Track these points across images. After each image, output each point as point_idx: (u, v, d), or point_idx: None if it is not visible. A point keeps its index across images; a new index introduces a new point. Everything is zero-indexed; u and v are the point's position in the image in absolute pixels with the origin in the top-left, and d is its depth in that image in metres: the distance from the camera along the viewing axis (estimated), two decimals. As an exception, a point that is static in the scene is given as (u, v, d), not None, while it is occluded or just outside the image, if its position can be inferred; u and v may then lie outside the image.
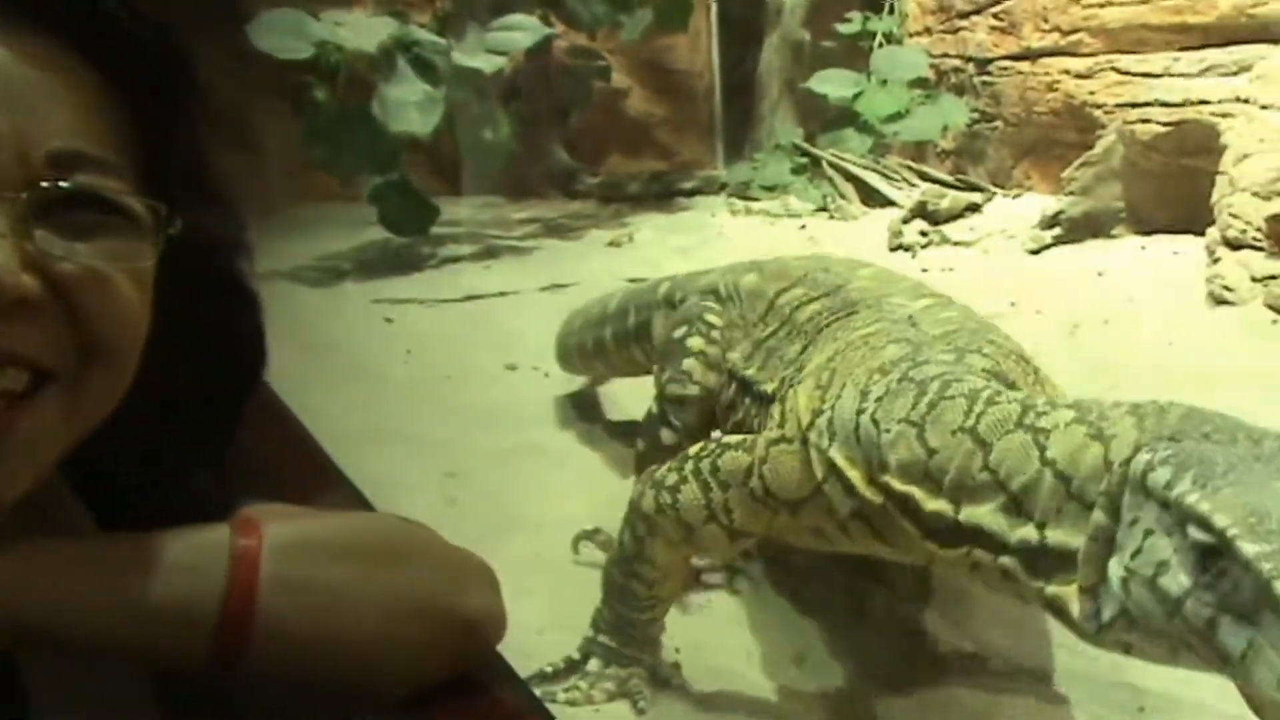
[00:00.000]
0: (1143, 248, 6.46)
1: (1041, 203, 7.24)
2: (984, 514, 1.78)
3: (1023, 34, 7.98)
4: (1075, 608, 1.63)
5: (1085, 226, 6.72)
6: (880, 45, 8.69)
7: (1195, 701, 2.36)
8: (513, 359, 4.76)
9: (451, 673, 1.08)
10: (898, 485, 1.92)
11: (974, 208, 7.42)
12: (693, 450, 2.30)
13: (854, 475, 2.01)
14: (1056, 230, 6.71)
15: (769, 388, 2.58)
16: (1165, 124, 6.64)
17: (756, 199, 8.37)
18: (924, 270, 6.57)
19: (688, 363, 3.02)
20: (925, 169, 8.24)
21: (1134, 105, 7.08)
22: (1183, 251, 6.04)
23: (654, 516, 2.30)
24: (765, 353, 2.74)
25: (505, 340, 5.09)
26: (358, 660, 1.02)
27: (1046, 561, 1.69)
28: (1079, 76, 7.65)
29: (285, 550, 1.00)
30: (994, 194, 7.72)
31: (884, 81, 8.37)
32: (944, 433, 1.86)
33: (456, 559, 1.13)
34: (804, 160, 8.49)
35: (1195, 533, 1.39)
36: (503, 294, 6.08)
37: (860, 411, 2.03)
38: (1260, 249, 5.10)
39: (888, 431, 1.95)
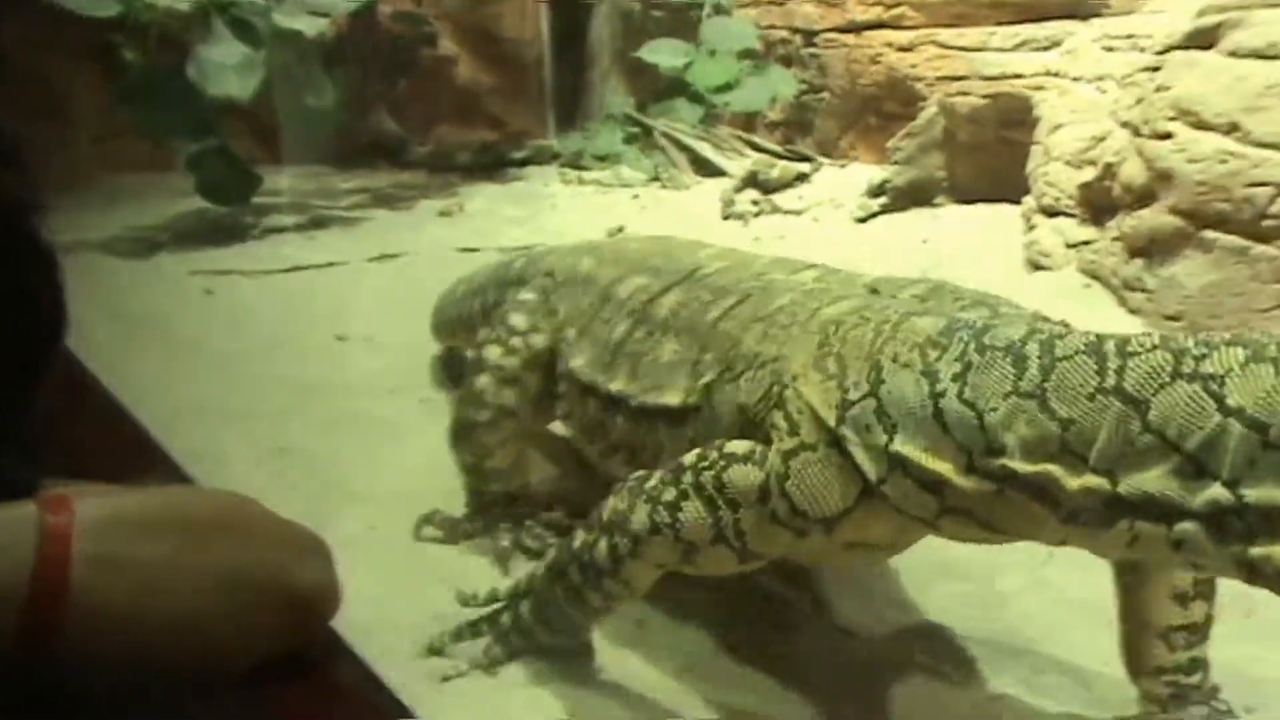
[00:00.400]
0: (964, 216, 6.68)
1: (868, 172, 7.41)
2: (1152, 480, 1.57)
3: (847, 7, 8.15)
4: None
5: (910, 195, 6.92)
6: (709, 16, 8.74)
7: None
8: (343, 330, 4.64)
9: (284, 649, 1.05)
10: (1025, 467, 1.67)
11: (803, 177, 7.55)
12: (689, 460, 2.03)
13: (942, 467, 1.75)
14: (883, 199, 6.89)
15: (672, 400, 2.31)
16: (983, 96, 6.88)
17: (589, 169, 8.35)
18: (756, 239, 6.66)
19: (481, 380, 2.84)
20: (755, 139, 8.34)
21: (954, 78, 7.32)
22: (1002, 219, 6.26)
23: (646, 537, 2.04)
24: (630, 358, 2.48)
25: (334, 311, 4.97)
26: (181, 637, 0.99)
27: (1243, 523, 1.50)
28: (901, 49, 7.86)
29: (99, 526, 0.95)
30: (822, 164, 7.87)
31: (713, 52, 8.43)
32: (1077, 399, 1.63)
33: (285, 532, 1.10)
34: (636, 130, 8.50)
35: None
36: (330, 264, 5.91)
37: (938, 395, 1.76)
38: (1073, 216, 5.32)
39: (994, 410, 1.70)
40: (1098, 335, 1.69)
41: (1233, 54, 4.47)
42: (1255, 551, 1.49)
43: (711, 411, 2.19)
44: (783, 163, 7.68)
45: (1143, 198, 4.70)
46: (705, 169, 8.02)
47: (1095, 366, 1.63)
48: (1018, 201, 5.97)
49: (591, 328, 2.68)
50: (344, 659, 1.14)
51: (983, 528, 1.79)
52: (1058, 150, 5.56)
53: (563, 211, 7.43)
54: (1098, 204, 5.09)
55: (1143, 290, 4.63)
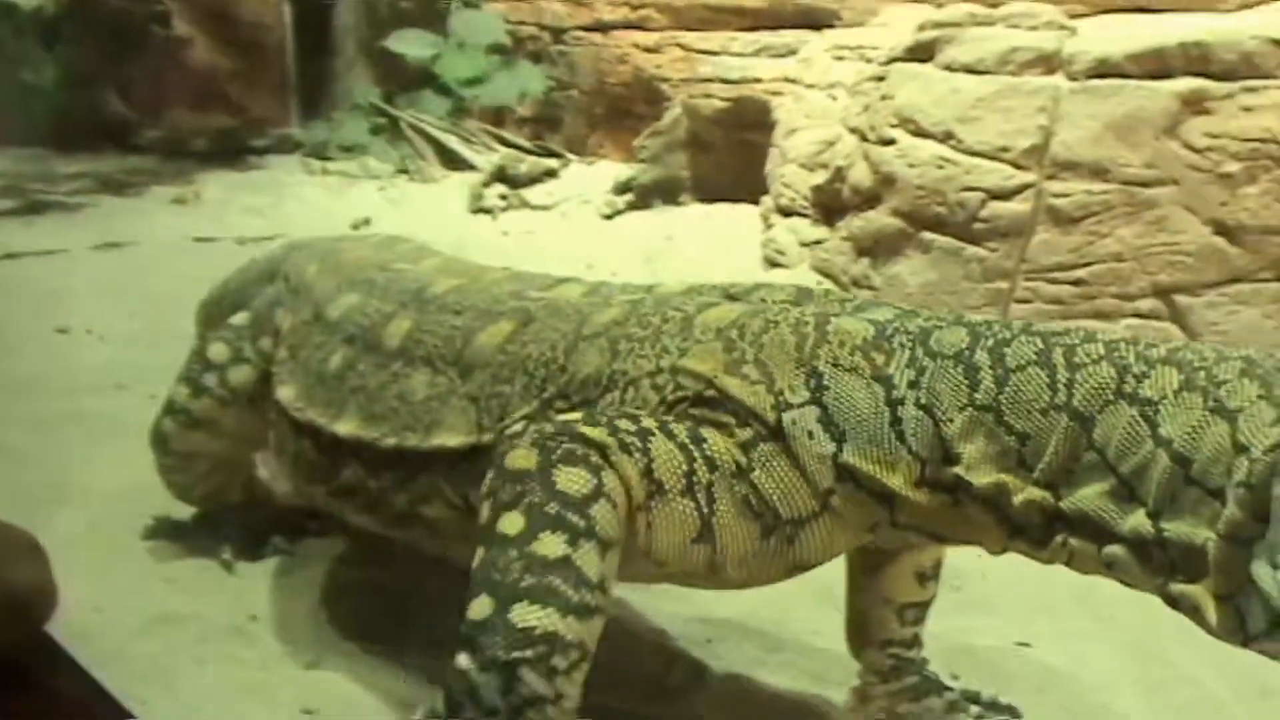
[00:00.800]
0: (707, 214, 6.88)
1: (615, 170, 7.54)
2: (1090, 497, 1.54)
3: (595, 6, 8.25)
4: (1211, 614, 1.42)
5: (655, 193, 7.08)
6: (458, 8, 8.66)
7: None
8: (63, 322, 4.36)
9: (-9, 654, 0.98)
10: (980, 479, 1.63)
11: (552, 173, 7.60)
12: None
13: (894, 479, 1.68)
14: (629, 196, 7.03)
15: (451, 441, 2.01)
16: (725, 99, 7.12)
17: (333, 159, 8.15)
18: (505, 233, 6.67)
19: (166, 423, 2.62)
20: (504, 134, 8.33)
21: (697, 81, 7.53)
22: (742, 218, 6.49)
23: (613, 446, 1.69)
24: (360, 395, 2.18)
25: (53, 302, 4.67)
26: None
27: (1163, 556, 1.47)
28: (648, 50, 8.02)
29: None
30: (570, 160, 7.94)
31: (462, 45, 8.37)
32: (1031, 413, 1.59)
33: (-7, 530, 1.03)
34: (383, 121, 8.35)
35: None
36: (49, 252, 5.55)
37: (896, 402, 1.69)
38: (807, 216, 5.57)
39: (951, 421, 1.65)
40: (1043, 340, 1.65)
41: (948, 67, 4.79)
42: (1174, 587, 1.47)
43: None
44: (532, 158, 7.71)
45: (869, 200, 4.97)
46: (454, 162, 7.96)
47: (1047, 379, 1.60)
48: (757, 201, 6.20)
49: (302, 352, 2.38)
50: (61, 664, 1.08)
51: (929, 539, 1.77)
52: (793, 153, 5.81)
53: (305, 202, 7.23)
54: (829, 205, 5.35)
55: (869, 287, 4.90)
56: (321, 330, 2.36)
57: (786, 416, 1.72)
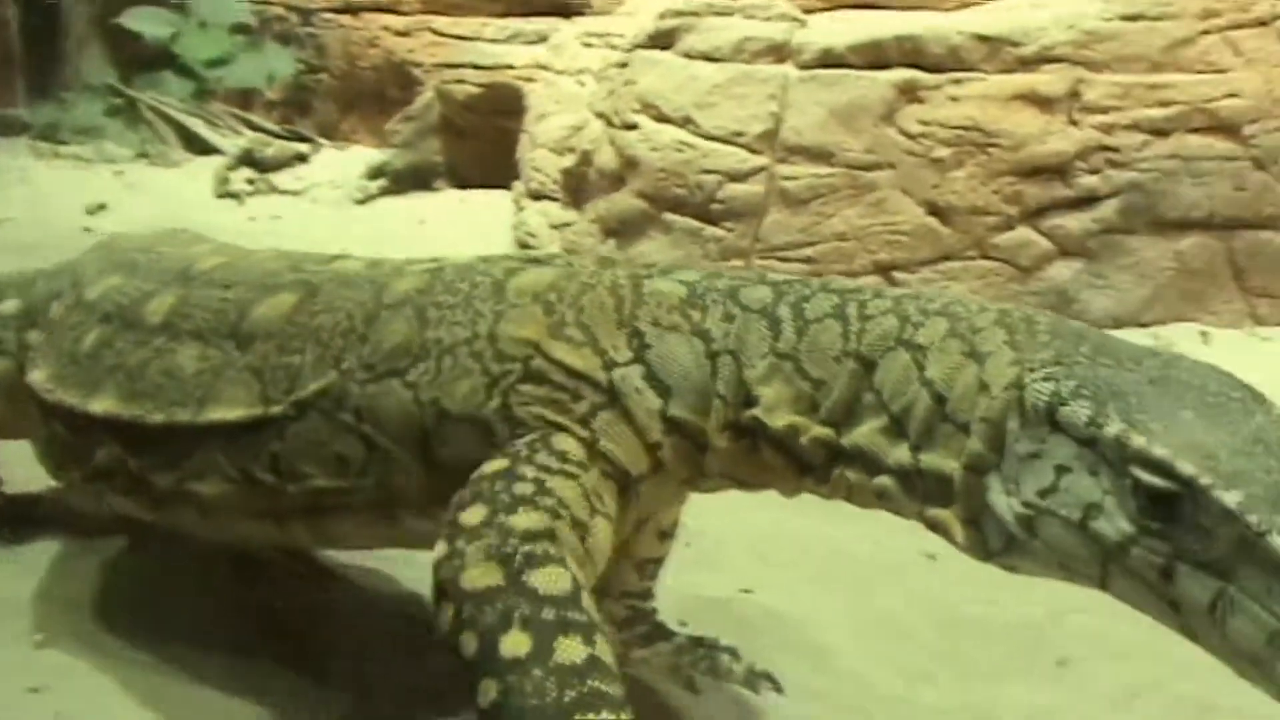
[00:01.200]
0: (461, 200, 6.91)
1: (367, 155, 7.46)
2: (864, 434, 1.68)
3: (345, -12, 8.14)
4: (958, 534, 1.59)
5: (409, 179, 7.05)
6: (199, -14, 8.37)
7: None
8: None
9: None
10: (776, 421, 1.72)
11: (301, 157, 7.46)
12: (499, 466, 1.71)
13: (710, 425, 1.76)
14: (382, 181, 6.98)
15: (231, 414, 1.96)
16: (478, 85, 7.15)
17: (66, 142, 7.75)
18: (252, 219, 6.50)
19: None
20: (251, 117, 8.11)
21: (450, 66, 7.52)
22: (495, 203, 6.54)
23: (553, 524, 1.65)
24: (118, 373, 2.12)
25: None
26: None
27: (922, 484, 1.62)
28: (399, 34, 7.96)
29: None
30: (322, 145, 7.81)
31: (203, 24, 8.09)
32: (826, 360, 1.71)
33: None
34: (119, 102, 7.98)
35: (1147, 477, 1.35)
36: None
37: (714, 354, 1.77)
38: (557, 199, 5.68)
39: (752, 367, 1.75)
40: (840, 295, 1.76)
41: (686, 55, 4.98)
42: (930, 512, 1.62)
43: (329, 419, 1.89)
44: (280, 142, 7.55)
45: (614, 183, 5.12)
46: (197, 146, 7.70)
47: (840, 329, 1.71)
48: (509, 186, 6.27)
49: (56, 335, 2.31)
50: None
51: (735, 484, 1.84)
52: (543, 138, 5.91)
53: (34, 186, 6.85)
54: (577, 189, 5.48)
55: (617, 268, 5.04)
56: (79, 312, 2.28)
57: (616, 374, 1.77)
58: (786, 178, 4.72)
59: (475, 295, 1.88)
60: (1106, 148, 4.69)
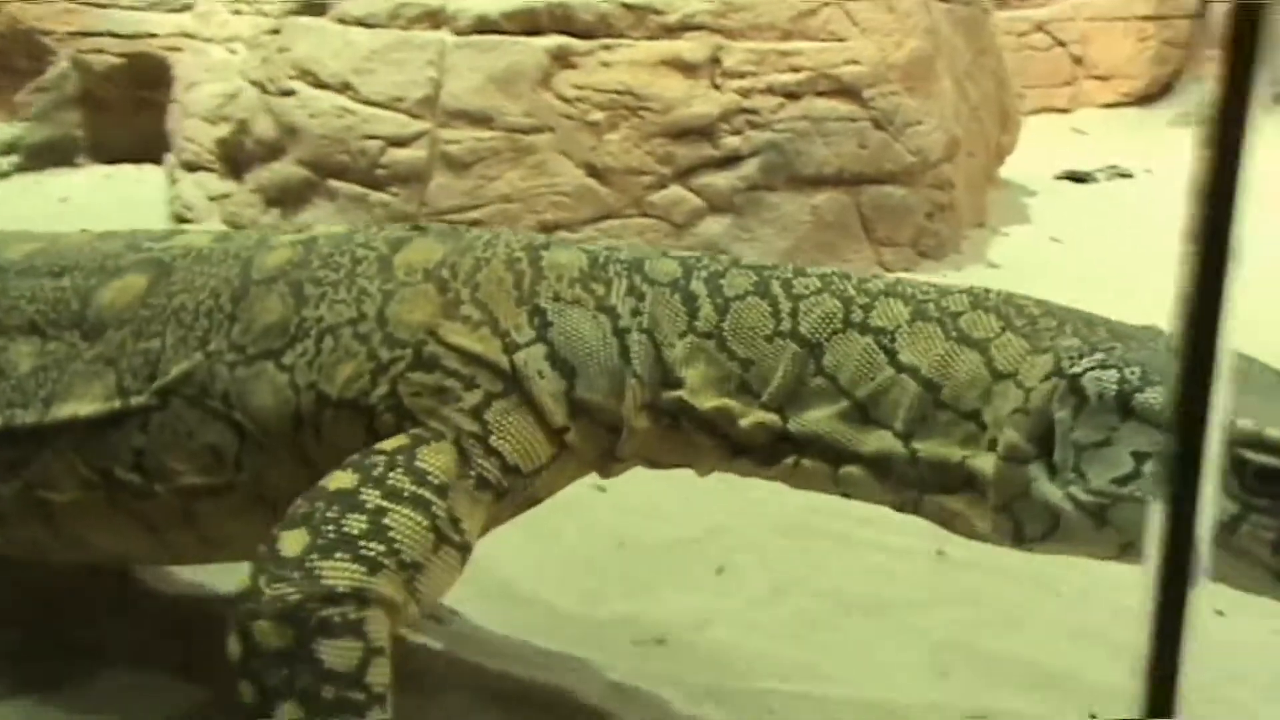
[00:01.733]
0: (107, 175, 6.55)
1: (-3, 130, 6.92)
2: (819, 421, 1.64)
3: (-42, -50, 7.47)
4: (980, 523, 1.58)
5: (46, 154, 6.61)
6: None
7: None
8: None
9: None
10: (703, 403, 1.68)
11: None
12: (354, 477, 1.60)
13: (624, 407, 1.69)
14: (15, 158, 6.51)
15: (84, 410, 1.81)
16: (119, 55, 6.77)
17: None
18: None
19: None
20: None
21: (85, 34, 7.07)
22: (147, 177, 6.25)
23: (366, 585, 1.54)
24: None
25: None
26: None
27: (915, 472, 1.61)
28: (26, 1, 7.40)
29: None
30: (-59, 120, 7.17)
31: None
32: (755, 340, 1.68)
33: None
34: None
35: (1259, 457, 1.37)
36: None
37: (622, 331, 1.70)
38: (214, 170, 5.51)
39: (671, 347, 1.69)
40: (756, 273, 1.73)
41: (341, 21, 4.96)
42: (930, 498, 1.61)
43: (196, 407, 1.77)
44: (-109, 117, 6.88)
45: (274, 151, 5.04)
46: None
47: (769, 308, 1.68)
48: (161, 160, 6.01)
49: None
50: None
51: (647, 464, 1.80)
52: (194, 107, 5.71)
53: None
54: (234, 158, 5.34)
55: (281, 238, 4.97)
56: None
57: (518, 357, 1.69)
58: (449, 141, 4.79)
59: (359, 272, 1.77)
60: (746, 110, 5.04)
